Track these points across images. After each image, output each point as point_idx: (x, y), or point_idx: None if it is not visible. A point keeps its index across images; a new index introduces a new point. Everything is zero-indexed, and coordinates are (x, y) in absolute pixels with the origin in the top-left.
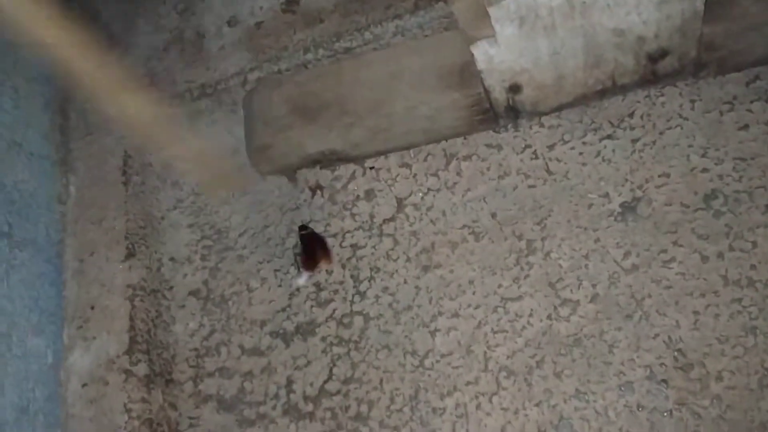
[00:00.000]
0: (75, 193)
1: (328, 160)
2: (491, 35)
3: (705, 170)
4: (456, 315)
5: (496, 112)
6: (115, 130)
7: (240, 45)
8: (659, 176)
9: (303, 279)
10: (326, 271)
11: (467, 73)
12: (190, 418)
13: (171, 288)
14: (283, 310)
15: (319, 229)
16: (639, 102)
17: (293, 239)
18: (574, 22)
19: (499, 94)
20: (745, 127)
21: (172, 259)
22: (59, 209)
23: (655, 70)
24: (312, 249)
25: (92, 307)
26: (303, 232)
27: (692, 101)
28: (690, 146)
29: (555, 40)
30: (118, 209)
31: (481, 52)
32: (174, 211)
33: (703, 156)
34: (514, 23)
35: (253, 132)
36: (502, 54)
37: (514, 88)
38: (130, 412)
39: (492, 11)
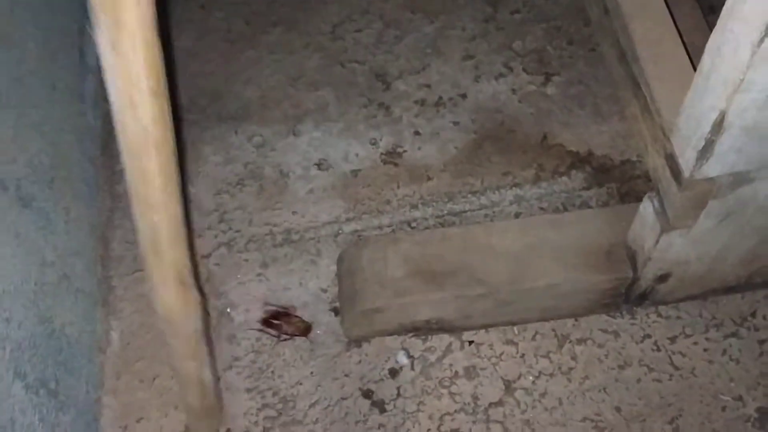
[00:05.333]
0: (118, 340)
1: (429, 329)
2: (690, 226)
3: None
4: None
5: (627, 298)
6: None
7: (333, 192)
8: None
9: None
10: None
11: (614, 255)
12: None
13: None
14: None
15: (411, 408)
16: (759, 302)
17: (377, 418)
18: (766, 221)
19: (645, 282)
20: None
21: (228, 431)
22: (98, 360)
23: None
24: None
25: None
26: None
27: None
28: None
29: (736, 236)
30: None
31: (667, 241)
32: (230, 371)
33: None
34: (719, 217)
35: (362, 292)
36: (684, 245)
37: (664, 278)
38: None
39: (711, 204)
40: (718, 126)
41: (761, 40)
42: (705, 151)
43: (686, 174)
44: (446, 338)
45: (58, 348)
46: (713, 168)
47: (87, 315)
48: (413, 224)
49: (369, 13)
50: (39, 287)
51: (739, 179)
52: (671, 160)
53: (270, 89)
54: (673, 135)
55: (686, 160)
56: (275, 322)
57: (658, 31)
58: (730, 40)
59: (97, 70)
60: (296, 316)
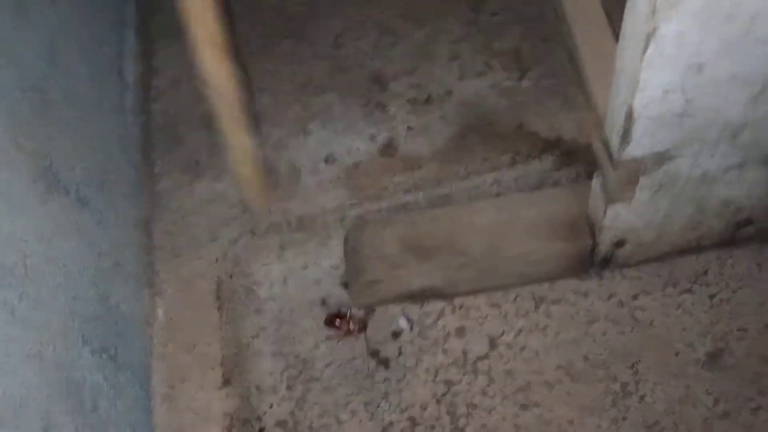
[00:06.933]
0: (163, 315)
1: (423, 296)
2: (629, 198)
3: None
4: None
5: (592, 262)
6: (206, 254)
7: (338, 182)
8: (737, 330)
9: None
10: (420, 406)
11: (577, 226)
12: None
13: (258, 418)
14: None
15: (411, 363)
16: (711, 262)
17: (382, 373)
18: (697, 191)
19: (604, 248)
20: None
21: (257, 387)
22: (147, 332)
23: (735, 236)
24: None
25: None
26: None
27: (758, 264)
28: (761, 305)
29: (674, 206)
30: (212, 335)
31: (613, 211)
32: (257, 338)
33: None
34: (652, 190)
35: (364, 266)
36: (628, 214)
37: (620, 243)
38: None
39: (643, 180)
40: (630, 117)
41: (645, 49)
42: (625, 137)
43: (616, 156)
44: (440, 304)
45: (114, 321)
46: (635, 150)
47: (136, 295)
48: (407, 206)
49: (367, 23)
50: (97, 272)
51: (662, 157)
52: (606, 144)
53: (284, 95)
54: (605, 124)
55: (614, 144)
56: (336, 323)
57: (597, 35)
58: (628, 46)
59: (134, 86)
60: (352, 316)
